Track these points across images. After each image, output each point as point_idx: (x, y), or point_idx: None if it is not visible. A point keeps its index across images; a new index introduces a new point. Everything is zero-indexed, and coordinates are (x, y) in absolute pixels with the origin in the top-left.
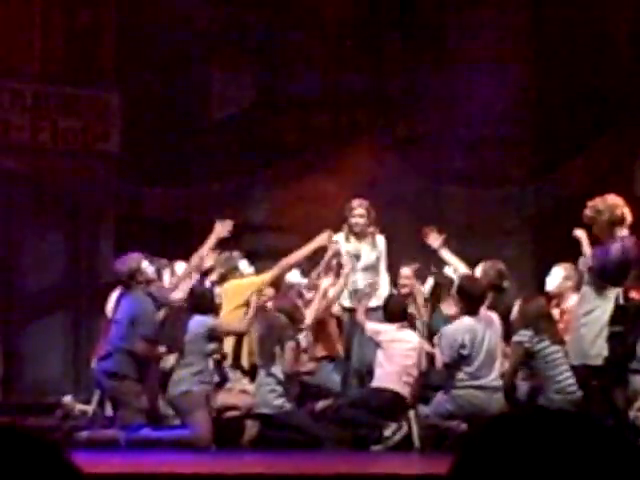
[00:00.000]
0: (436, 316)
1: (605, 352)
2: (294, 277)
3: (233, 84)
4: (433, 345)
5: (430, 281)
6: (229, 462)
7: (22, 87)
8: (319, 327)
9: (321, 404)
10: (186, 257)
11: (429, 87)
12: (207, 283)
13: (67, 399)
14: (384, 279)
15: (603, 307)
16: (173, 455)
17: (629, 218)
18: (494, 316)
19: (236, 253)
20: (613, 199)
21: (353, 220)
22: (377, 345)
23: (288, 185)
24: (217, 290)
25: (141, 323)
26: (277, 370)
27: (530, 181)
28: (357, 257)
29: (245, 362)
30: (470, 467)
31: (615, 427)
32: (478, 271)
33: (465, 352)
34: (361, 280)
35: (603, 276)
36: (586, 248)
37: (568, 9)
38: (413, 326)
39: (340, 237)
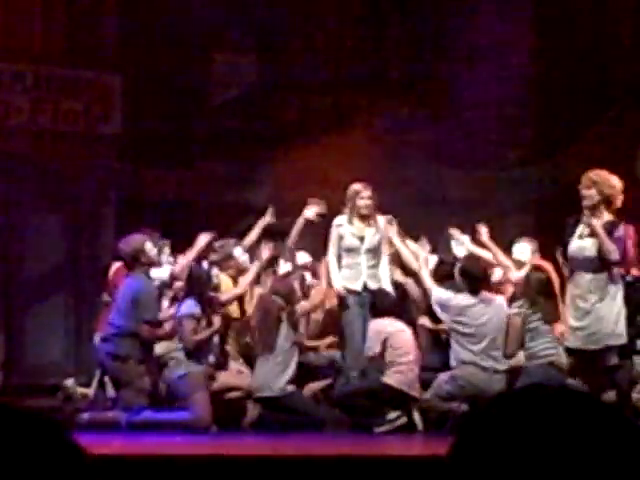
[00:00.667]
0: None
1: (625, 330)
2: (300, 258)
3: (234, 66)
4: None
5: (434, 259)
6: (230, 444)
7: (23, 69)
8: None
9: (318, 384)
10: (187, 239)
11: (430, 69)
12: (204, 265)
13: (68, 382)
14: (384, 261)
15: (611, 287)
16: (174, 437)
17: (618, 207)
18: (499, 298)
19: (231, 240)
20: (619, 183)
21: (362, 203)
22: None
23: (289, 167)
24: (215, 271)
25: (143, 306)
26: (280, 349)
27: (531, 164)
28: (361, 239)
29: (230, 346)
30: (469, 447)
31: (615, 406)
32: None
33: (459, 327)
34: (364, 262)
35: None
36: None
37: None
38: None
39: (343, 220)
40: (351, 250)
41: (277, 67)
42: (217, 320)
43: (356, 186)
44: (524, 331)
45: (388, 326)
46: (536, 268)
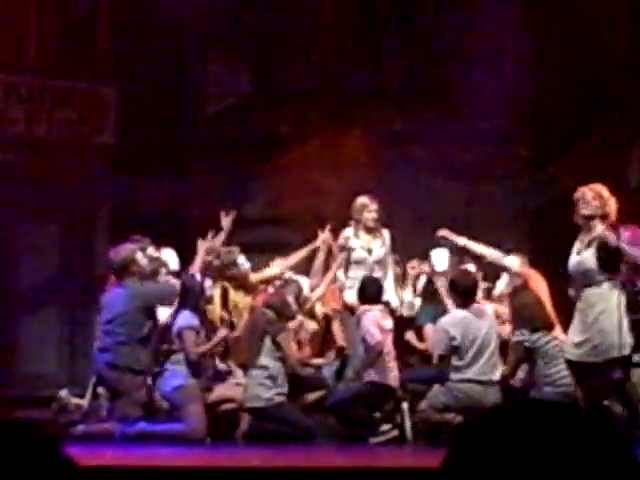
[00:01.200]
0: (425, 310)
1: (630, 340)
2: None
3: (229, 76)
4: (420, 339)
5: (423, 277)
6: (223, 456)
7: (17, 79)
8: (318, 336)
9: (313, 396)
10: (181, 249)
11: (426, 81)
12: (197, 277)
13: (63, 393)
14: (390, 273)
15: (612, 298)
16: (167, 449)
17: (613, 219)
18: (489, 309)
19: (235, 248)
20: (608, 194)
21: (369, 216)
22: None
23: (284, 178)
24: (208, 283)
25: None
26: (265, 362)
27: (527, 175)
28: (369, 252)
29: (232, 358)
30: (464, 459)
31: (608, 417)
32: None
33: (456, 343)
34: (372, 274)
35: (610, 268)
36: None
37: (564, 3)
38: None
39: (350, 232)
40: (359, 262)
41: (272, 78)
42: (223, 331)
43: (362, 199)
44: (536, 355)
45: (382, 321)
46: (514, 291)
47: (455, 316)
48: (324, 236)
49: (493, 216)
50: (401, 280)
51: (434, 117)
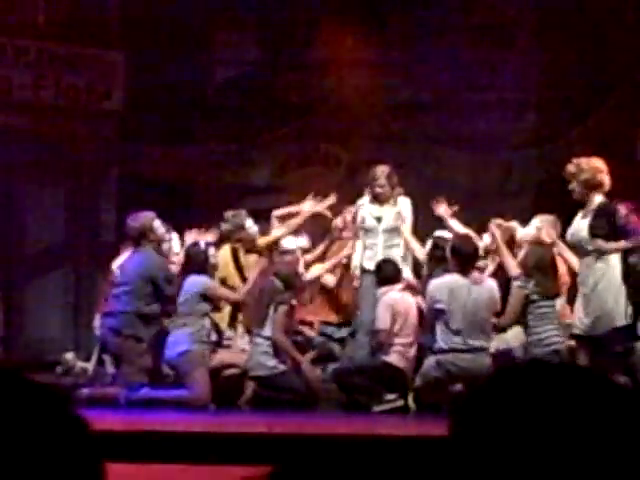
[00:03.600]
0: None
1: (629, 310)
2: (289, 243)
3: (237, 44)
4: None
5: (429, 243)
6: (227, 421)
7: (26, 44)
8: (333, 293)
9: (308, 356)
10: (187, 216)
11: (433, 51)
12: (201, 244)
13: (68, 356)
14: (411, 240)
15: (612, 269)
16: (172, 414)
17: (607, 186)
18: (490, 281)
19: (242, 211)
20: (597, 163)
21: (377, 187)
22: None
23: (290, 146)
24: (212, 251)
25: (157, 281)
26: (269, 332)
27: (533, 146)
28: (379, 220)
29: (240, 324)
30: (470, 425)
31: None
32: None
33: (439, 306)
34: (381, 242)
35: (605, 238)
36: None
37: None
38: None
39: (365, 200)
40: (369, 230)
41: (279, 46)
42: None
43: (374, 170)
44: (525, 307)
45: (399, 303)
46: (536, 243)
47: (442, 280)
48: (328, 201)
49: (498, 187)
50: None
51: (441, 89)
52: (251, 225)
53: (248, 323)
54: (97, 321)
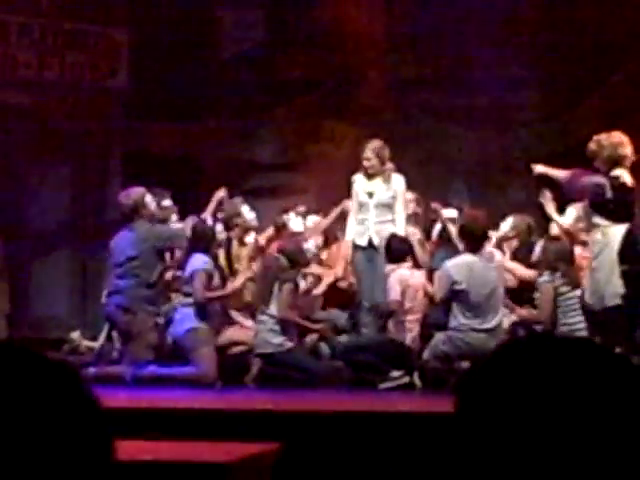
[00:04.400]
0: (439, 255)
1: (621, 290)
2: (297, 226)
3: (242, 22)
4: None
5: (438, 225)
6: (234, 399)
7: (30, 22)
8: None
9: (310, 338)
10: (192, 193)
11: (438, 28)
12: (208, 220)
13: (74, 334)
14: (400, 218)
15: (611, 246)
16: (179, 391)
17: (630, 159)
18: (497, 254)
19: (238, 199)
20: (619, 137)
21: (364, 163)
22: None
23: (295, 123)
24: (219, 228)
25: (164, 241)
26: (274, 309)
27: (539, 123)
28: (370, 195)
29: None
30: (476, 399)
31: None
32: (506, 224)
33: (459, 287)
34: (372, 218)
35: (602, 213)
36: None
37: None
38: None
39: (359, 176)
40: (362, 205)
41: (286, 23)
42: (243, 275)
43: (363, 145)
44: (556, 302)
45: (409, 279)
46: (552, 239)
47: (460, 260)
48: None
49: (503, 164)
50: (422, 220)
51: (445, 66)
52: (247, 211)
53: (237, 304)
54: (104, 298)
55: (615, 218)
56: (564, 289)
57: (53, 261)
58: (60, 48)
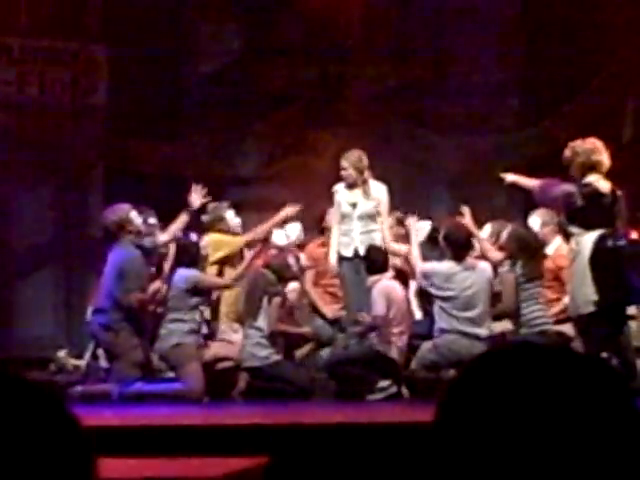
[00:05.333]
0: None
1: (594, 297)
2: (280, 239)
3: (220, 36)
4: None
5: (427, 227)
6: (222, 414)
7: (8, 41)
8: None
9: (302, 350)
10: (175, 210)
11: (417, 37)
12: (192, 236)
13: (61, 354)
14: (384, 227)
15: (583, 253)
16: (166, 408)
17: (605, 165)
18: (484, 265)
19: (224, 203)
20: (593, 143)
21: (342, 172)
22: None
23: (277, 137)
24: (203, 242)
25: (128, 275)
26: (261, 323)
27: (519, 129)
28: (353, 205)
29: (223, 317)
30: (456, 408)
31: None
32: (485, 231)
33: (443, 293)
34: (357, 228)
35: (575, 222)
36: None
37: None
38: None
39: (340, 187)
40: (345, 216)
41: (263, 36)
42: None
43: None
44: (518, 292)
45: (392, 291)
46: (516, 226)
47: (440, 266)
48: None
49: (485, 171)
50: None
51: (426, 72)
52: (232, 217)
53: (237, 315)
54: (89, 316)
55: (588, 226)
56: (522, 279)
57: (37, 280)
58: (39, 66)
